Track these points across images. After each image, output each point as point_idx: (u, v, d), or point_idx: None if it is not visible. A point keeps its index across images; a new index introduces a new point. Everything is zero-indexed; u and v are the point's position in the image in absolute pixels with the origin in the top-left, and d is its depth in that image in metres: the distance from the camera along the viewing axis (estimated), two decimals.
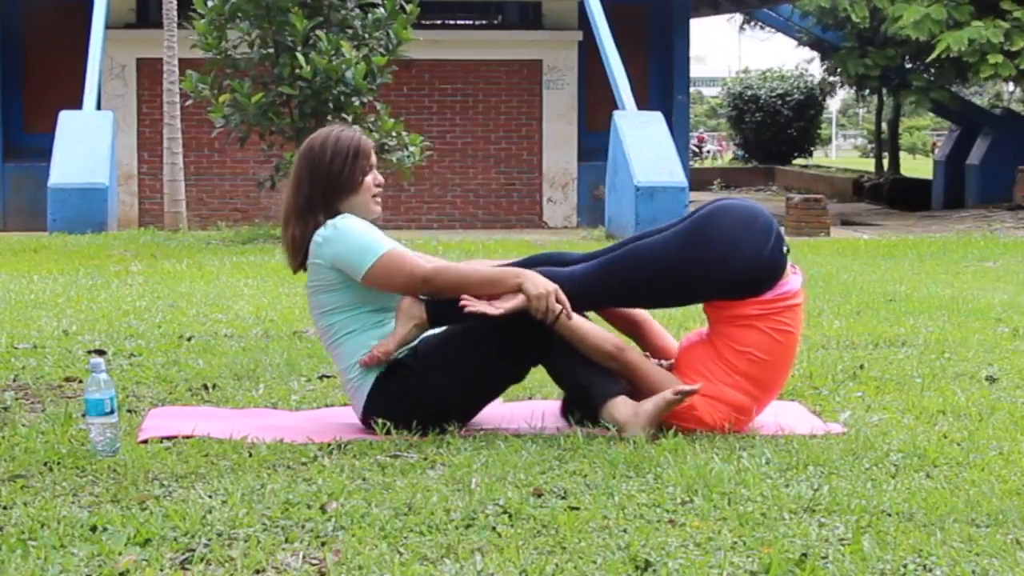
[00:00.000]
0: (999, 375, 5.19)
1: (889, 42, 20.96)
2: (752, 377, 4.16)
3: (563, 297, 4.04)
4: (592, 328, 4.16)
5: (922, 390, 4.87)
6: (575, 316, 4.09)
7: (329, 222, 4.17)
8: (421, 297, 4.17)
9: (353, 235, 4.12)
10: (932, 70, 21.62)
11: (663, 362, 4.33)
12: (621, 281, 4.16)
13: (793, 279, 4.21)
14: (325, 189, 4.20)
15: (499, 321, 4.04)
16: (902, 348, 5.91)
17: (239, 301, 7.53)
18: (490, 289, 4.07)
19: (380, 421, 4.09)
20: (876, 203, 25.48)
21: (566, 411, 4.30)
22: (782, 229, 4.52)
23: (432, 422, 4.10)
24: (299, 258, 4.25)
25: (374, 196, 4.28)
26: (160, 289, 8.26)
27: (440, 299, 4.12)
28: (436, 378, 4.11)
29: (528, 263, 4.31)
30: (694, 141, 40.08)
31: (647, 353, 4.36)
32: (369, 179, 4.25)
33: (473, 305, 4.03)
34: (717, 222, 4.14)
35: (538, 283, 4.04)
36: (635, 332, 4.46)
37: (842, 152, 55.33)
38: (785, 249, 4.21)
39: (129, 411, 4.46)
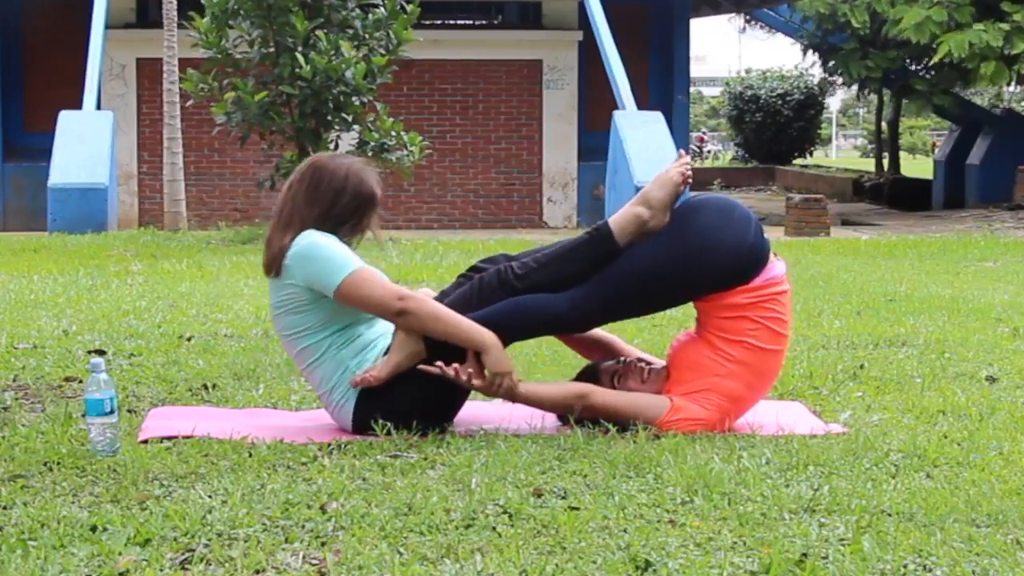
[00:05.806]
0: (999, 375, 5.19)
1: (890, 44, 20.94)
2: (749, 365, 4.18)
3: (514, 381, 4.10)
4: (548, 389, 4.24)
5: (922, 390, 4.87)
6: (530, 384, 4.21)
7: (295, 241, 4.11)
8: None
9: (324, 250, 4.08)
10: (933, 73, 21.59)
11: (655, 365, 4.33)
12: (618, 296, 4.20)
13: (777, 264, 4.28)
14: (322, 217, 4.15)
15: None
16: (902, 348, 5.91)
17: (239, 301, 7.52)
18: (455, 338, 4.06)
19: (380, 421, 4.08)
20: (876, 203, 25.46)
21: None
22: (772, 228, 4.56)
23: (428, 421, 4.10)
24: (276, 266, 4.17)
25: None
26: (160, 289, 8.26)
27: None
28: (418, 376, 4.08)
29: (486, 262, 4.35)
30: (694, 141, 40.05)
31: (623, 358, 4.37)
32: (369, 233, 4.27)
33: (441, 369, 4.05)
34: (696, 217, 4.23)
35: (501, 361, 4.06)
36: (606, 351, 4.48)
37: (842, 152, 55.33)
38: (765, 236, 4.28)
39: (129, 411, 4.46)
